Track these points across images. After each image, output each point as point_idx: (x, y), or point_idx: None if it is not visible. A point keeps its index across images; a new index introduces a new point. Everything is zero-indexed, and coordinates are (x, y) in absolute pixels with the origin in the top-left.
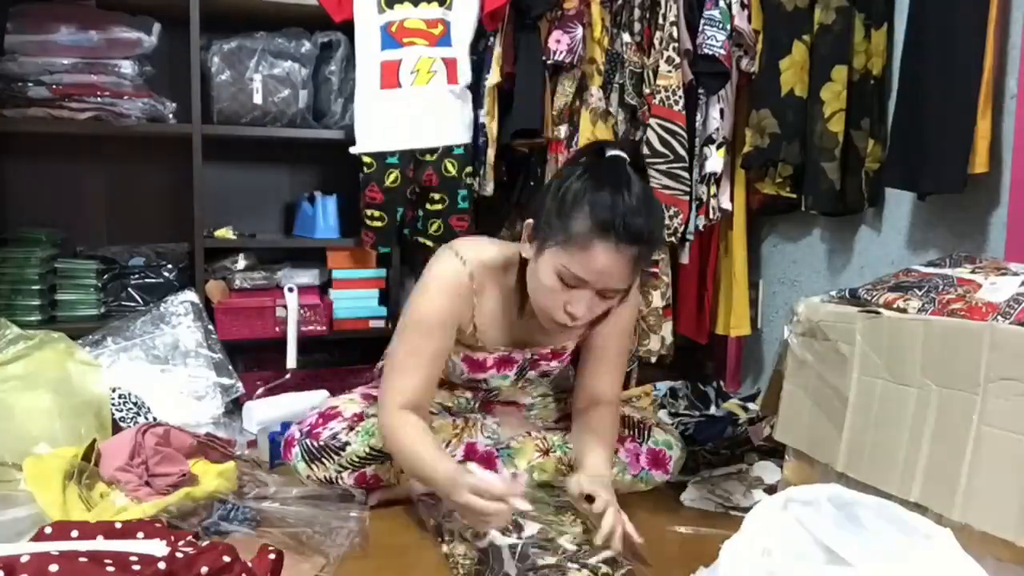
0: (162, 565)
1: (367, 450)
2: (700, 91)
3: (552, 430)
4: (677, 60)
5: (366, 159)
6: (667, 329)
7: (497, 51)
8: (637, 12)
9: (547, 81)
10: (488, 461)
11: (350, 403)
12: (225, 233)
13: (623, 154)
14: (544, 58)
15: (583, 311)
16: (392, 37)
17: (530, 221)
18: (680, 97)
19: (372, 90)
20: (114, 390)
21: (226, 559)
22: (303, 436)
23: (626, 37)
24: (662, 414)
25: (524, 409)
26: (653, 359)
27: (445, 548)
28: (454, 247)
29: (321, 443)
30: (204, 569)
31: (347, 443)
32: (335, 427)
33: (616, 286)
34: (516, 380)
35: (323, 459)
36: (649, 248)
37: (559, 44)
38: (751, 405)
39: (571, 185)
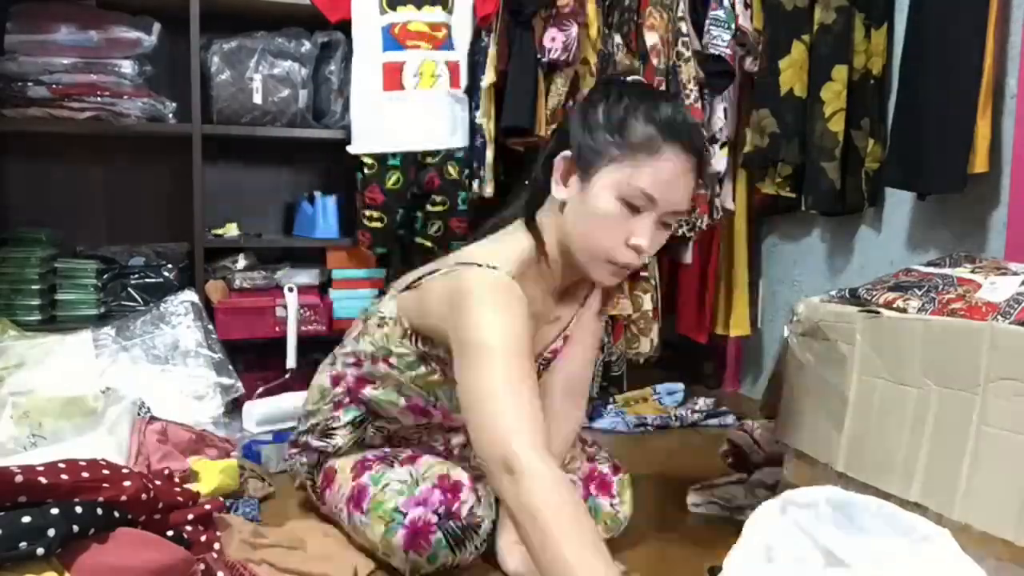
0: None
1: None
2: (705, 91)
3: None
4: (687, 55)
5: (367, 160)
6: (655, 331)
7: (492, 51)
8: (626, 15)
9: (541, 80)
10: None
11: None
12: (231, 229)
13: (640, 77)
14: (539, 56)
15: (648, 240)
16: (395, 39)
17: (567, 153)
18: (692, 90)
19: (374, 91)
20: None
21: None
22: (443, 519)
23: (617, 39)
24: None
25: None
26: (641, 360)
27: None
28: (469, 261)
29: (464, 522)
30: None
31: (482, 519)
32: (468, 499)
33: (679, 206)
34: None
35: (466, 542)
36: (704, 166)
37: (554, 42)
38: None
39: (612, 106)
